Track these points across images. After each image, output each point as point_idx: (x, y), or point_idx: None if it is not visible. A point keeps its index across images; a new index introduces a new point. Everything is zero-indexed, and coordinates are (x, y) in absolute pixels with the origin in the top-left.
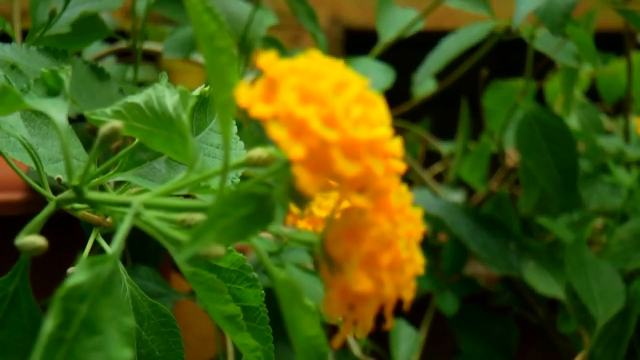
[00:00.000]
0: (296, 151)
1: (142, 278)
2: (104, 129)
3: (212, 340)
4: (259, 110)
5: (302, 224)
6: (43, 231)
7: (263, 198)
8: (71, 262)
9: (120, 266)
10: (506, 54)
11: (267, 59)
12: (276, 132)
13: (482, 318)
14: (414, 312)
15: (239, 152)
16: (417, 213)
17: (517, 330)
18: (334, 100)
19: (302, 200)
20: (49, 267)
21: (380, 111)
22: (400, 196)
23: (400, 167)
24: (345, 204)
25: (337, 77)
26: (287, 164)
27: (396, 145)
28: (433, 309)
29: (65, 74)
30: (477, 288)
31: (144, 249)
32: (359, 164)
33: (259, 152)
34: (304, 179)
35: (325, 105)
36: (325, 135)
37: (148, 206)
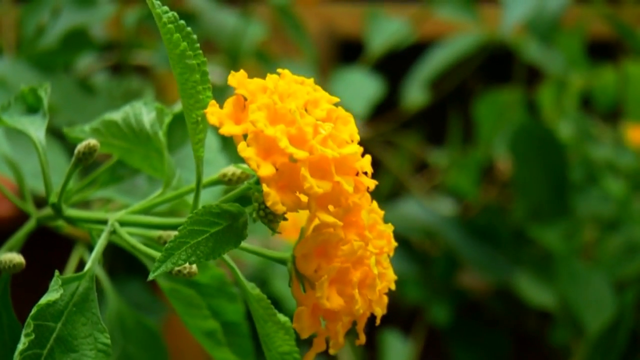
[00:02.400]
0: (265, 170)
1: (133, 291)
2: (80, 147)
3: None
4: (228, 129)
5: (293, 237)
6: (32, 245)
7: (235, 215)
8: None
9: (107, 280)
10: (497, 62)
11: (237, 78)
12: (245, 150)
13: (476, 330)
14: (409, 324)
15: (222, 167)
16: (389, 229)
17: (510, 341)
18: (303, 119)
19: (272, 217)
20: (41, 281)
21: (350, 129)
22: (371, 212)
23: (371, 183)
24: (316, 221)
25: (306, 95)
26: (258, 182)
27: (366, 162)
28: (426, 320)
29: (44, 92)
30: (468, 298)
31: (136, 260)
32: (328, 182)
33: (232, 169)
34: (273, 197)
35: (294, 124)
36: (294, 153)
37: (123, 223)
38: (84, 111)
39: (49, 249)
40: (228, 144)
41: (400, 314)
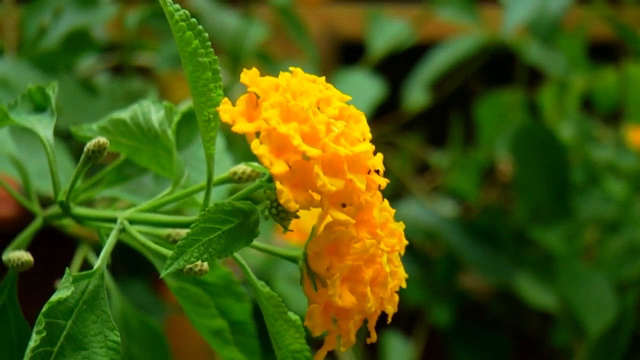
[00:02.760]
0: (278, 167)
1: (135, 292)
2: (89, 145)
3: None
4: (240, 127)
5: (295, 238)
6: (35, 245)
7: (247, 213)
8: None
9: (110, 280)
10: (498, 63)
11: (249, 76)
12: (258, 148)
13: (477, 331)
14: (410, 325)
15: (228, 167)
16: (400, 227)
17: (511, 342)
18: (316, 116)
19: (284, 215)
20: (44, 280)
21: (362, 127)
22: (383, 210)
23: (383, 182)
24: (328, 219)
25: (318, 93)
26: (270, 180)
27: (378, 160)
28: (427, 322)
29: (52, 90)
30: (469, 299)
31: (139, 261)
32: (340, 180)
33: (242, 167)
34: (286, 195)
35: (306, 121)
36: (307, 151)
37: (133, 221)
38: (85, 112)
39: (52, 249)
40: (232, 144)
41: (402, 315)
